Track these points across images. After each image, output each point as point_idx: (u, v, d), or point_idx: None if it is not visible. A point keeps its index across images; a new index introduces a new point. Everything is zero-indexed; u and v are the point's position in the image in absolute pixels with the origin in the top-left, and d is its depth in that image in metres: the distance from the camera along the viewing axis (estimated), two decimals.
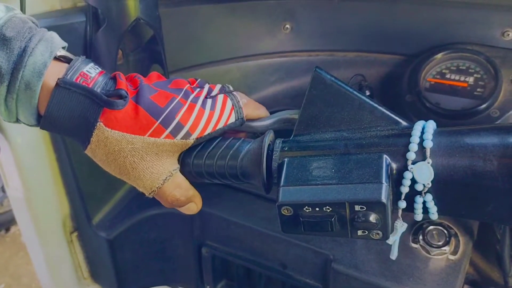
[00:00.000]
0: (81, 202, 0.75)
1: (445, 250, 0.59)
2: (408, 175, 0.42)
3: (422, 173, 0.41)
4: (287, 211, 0.42)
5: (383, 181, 0.40)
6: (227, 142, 0.49)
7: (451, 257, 0.59)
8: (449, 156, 0.41)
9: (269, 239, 0.67)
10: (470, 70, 0.69)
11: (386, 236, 0.42)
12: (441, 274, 0.58)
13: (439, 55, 0.70)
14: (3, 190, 2.25)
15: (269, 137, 0.48)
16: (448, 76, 0.70)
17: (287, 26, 0.80)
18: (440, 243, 0.59)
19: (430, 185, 0.41)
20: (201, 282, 0.79)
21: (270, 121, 0.54)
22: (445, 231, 0.60)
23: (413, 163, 0.42)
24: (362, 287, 0.60)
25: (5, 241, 2.34)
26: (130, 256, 0.79)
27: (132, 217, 0.76)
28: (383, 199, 0.39)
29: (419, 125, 0.44)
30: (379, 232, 0.42)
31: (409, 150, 0.42)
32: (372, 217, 0.40)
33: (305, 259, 0.66)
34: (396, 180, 0.43)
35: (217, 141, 0.50)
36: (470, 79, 0.68)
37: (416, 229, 0.62)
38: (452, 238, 0.60)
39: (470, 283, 0.60)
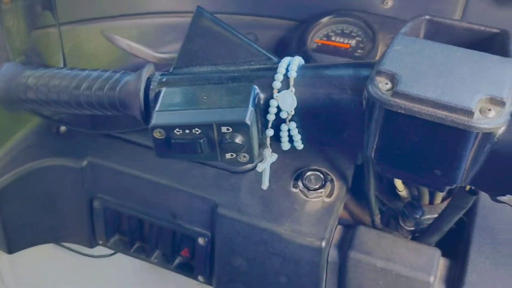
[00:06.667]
0: None
1: (320, 192, 0.64)
2: (273, 103, 0.45)
3: (286, 101, 0.45)
4: (160, 134, 0.44)
5: (249, 106, 0.43)
6: (107, 74, 0.50)
7: (326, 199, 0.64)
8: (310, 86, 0.45)
9: (159, 188, 0.68)
10: (352, 34, 0.75)
11: (252, 159, 0.45)
12: (316, 215, 0.63)
13: (325, 19, 0.76)
14: None
15: (147, 69, 0.49)
16: (333, 38, 0.75)
17: None
18: (316, 187, 0.64)
19: (293, 112, 0.45)
20: (93, 238, 0.78)
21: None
22: (322, 176, 0.65)
23: (278, 91, 0.45)
24: (245, 229, 0.63)
25: None
26: (19, 212, 0.76)
27: (20, 169, 0.73)
28: (247, 120, 0.42)
29: (287, 59, 0.47)
30: (245, 154, 0.45)
31: (275, 80, 0.45)
32: (238, 139, 0.43)
33: (193, 207, 0.68)
34: (264, 109, 0.46)
35: (97, 72, 0.51)
36: (352, 42, 0.74)
37: (297, 175, 0.66)
38: (328, 183, 0.65)
39: (343, 225, 0.65)
